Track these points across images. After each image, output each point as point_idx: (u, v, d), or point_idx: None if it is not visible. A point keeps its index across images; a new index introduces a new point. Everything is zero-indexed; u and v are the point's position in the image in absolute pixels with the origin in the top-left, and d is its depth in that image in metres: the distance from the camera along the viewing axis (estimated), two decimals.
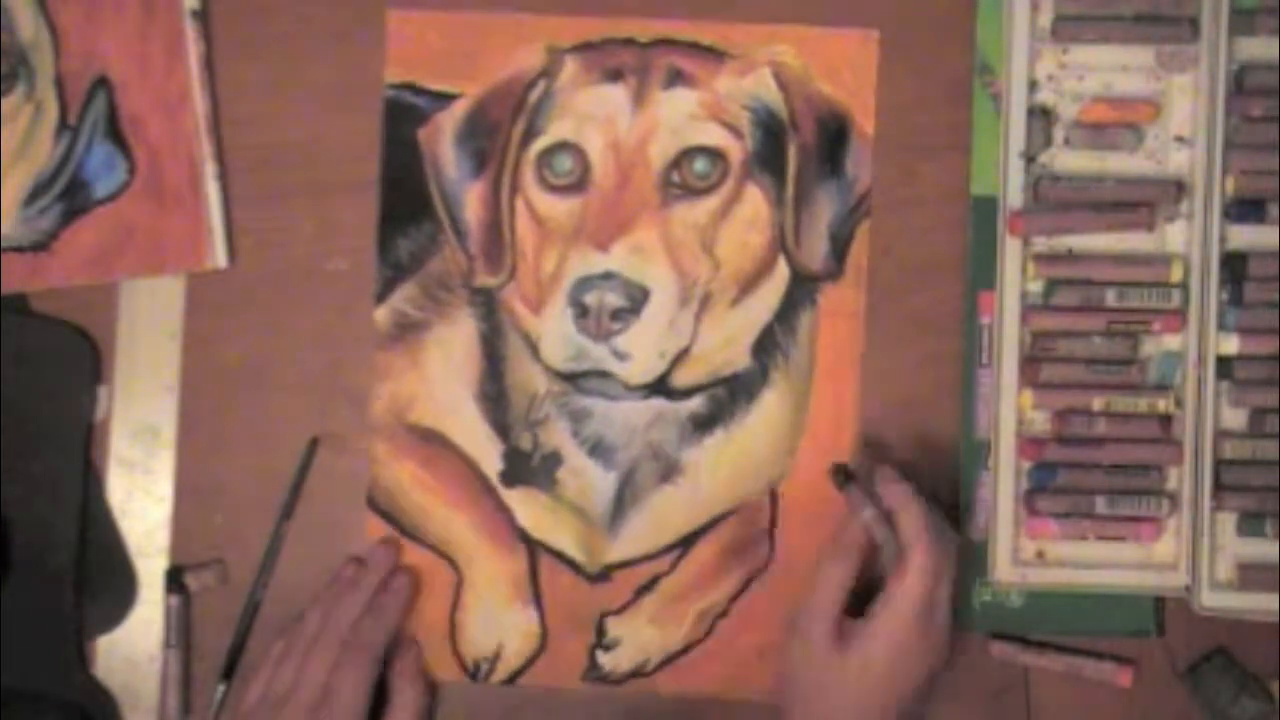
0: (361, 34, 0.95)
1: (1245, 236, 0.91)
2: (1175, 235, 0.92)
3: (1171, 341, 0.92)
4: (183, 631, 0.95)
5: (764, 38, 0.94)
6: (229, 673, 0.95)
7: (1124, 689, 0.94)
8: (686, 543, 0.95)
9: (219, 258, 0.95)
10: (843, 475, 0.90)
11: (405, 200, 0.95)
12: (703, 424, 0.95)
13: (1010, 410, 0.91)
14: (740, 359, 0.95)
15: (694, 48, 0.94)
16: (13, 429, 0.93)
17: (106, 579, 0.95)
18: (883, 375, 0.95)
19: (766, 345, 0.94)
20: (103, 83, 0.94)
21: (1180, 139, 0.91)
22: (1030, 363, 0.91)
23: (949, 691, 0.94)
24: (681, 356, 0.94)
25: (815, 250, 0.94)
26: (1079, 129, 0.92)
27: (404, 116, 0.95)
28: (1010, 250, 0.91)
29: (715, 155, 0.94)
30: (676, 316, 0.94)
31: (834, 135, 0.94)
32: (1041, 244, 0.92)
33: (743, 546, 0.95)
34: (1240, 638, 0.93)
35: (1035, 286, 0.92)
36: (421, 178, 0.95)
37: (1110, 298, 0.91)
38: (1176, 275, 0.91)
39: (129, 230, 0.94)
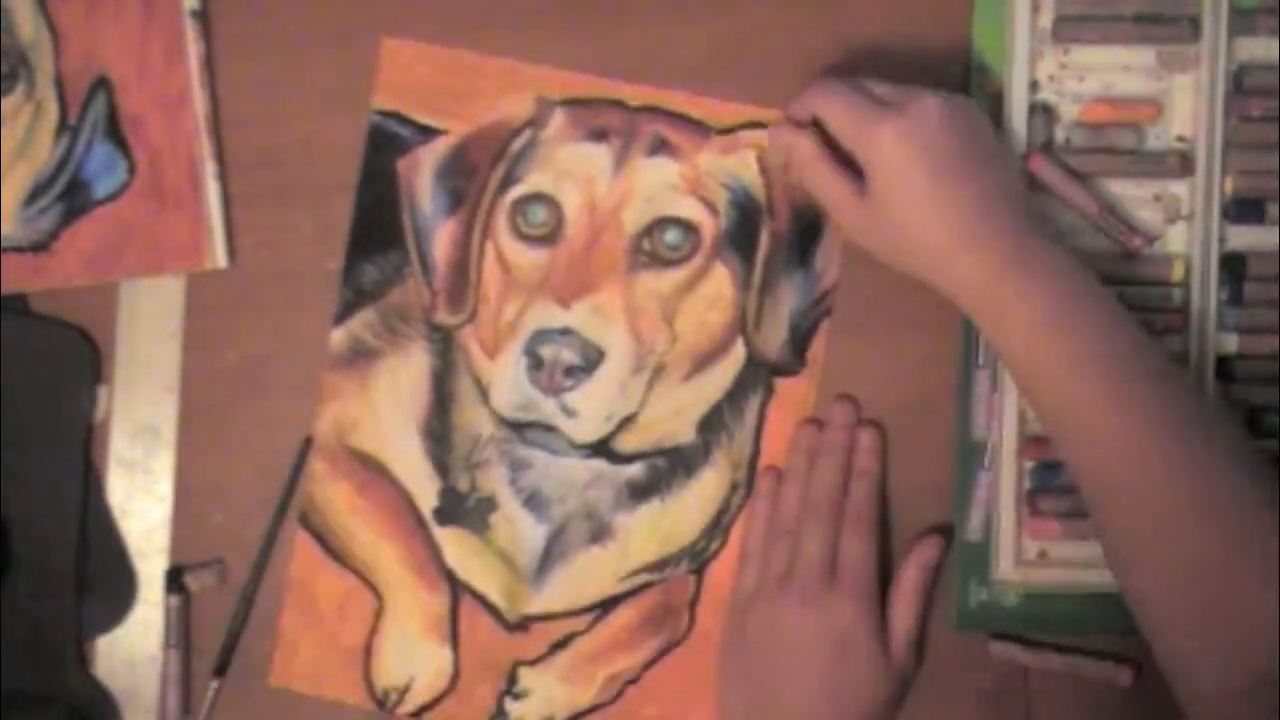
0: (362, 34, 0.95)
1: (1245, 236, 0.91)
2: (1175, 235, 0.92)
3: (1171, 341, 0.92)
4: (182, 631, 0.95)
5: (752, 118, 0.94)
6: (222, 669, 0.95)
7: (1124, 689, 0.94)
8: (606, 605, 0.95)
9: (219, 258, 0.95)
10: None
11: (376, 227, 0.95)
12: (639, 491, 0.95)
13: (1012, 410, 0.91)
14: (685, 433, 0.95)
15: (682, 119, 0.94)
16: (13, 429, 0.93)
17: (106, 579, 0.95)
18: (881, 375, 0.95)
19: (713, 423, 0.95)
20: (103, 83, 0.94)
21: (1181, 139, 0.92)
22: None
23: (949, 692, 0.94)
24: (628, 422, 0.94)
25: (774, 338, 0.94)
26: (1079, 129, 0.92)
27: (386, 144, 0.94)
28: None
29: (688, 229, 0.94)
30: (628, 382, 0.94)
31: (807, 227, 0.94)
32: None
33: (662, 617, 0.95)
34: None
35: None
36: (395, 208, 0.95)
37: None
38: (1176, 275, 0.91)
39: (129, 230, 0.94)
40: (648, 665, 0.95)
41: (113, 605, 0.95)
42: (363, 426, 0.95)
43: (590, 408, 0.94)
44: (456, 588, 0.95)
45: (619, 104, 0.94)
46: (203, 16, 0.94)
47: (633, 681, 0.95)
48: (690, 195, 0.94)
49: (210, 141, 0.94)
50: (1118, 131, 0.92)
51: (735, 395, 0.95)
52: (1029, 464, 0.92)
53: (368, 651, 0.95)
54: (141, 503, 0.95)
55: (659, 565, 0.95)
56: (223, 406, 0.96)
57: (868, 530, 0.91)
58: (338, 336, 0.95)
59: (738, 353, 0.94)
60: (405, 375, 0.95)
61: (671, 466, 0.95)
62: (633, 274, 0.94)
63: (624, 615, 0.95)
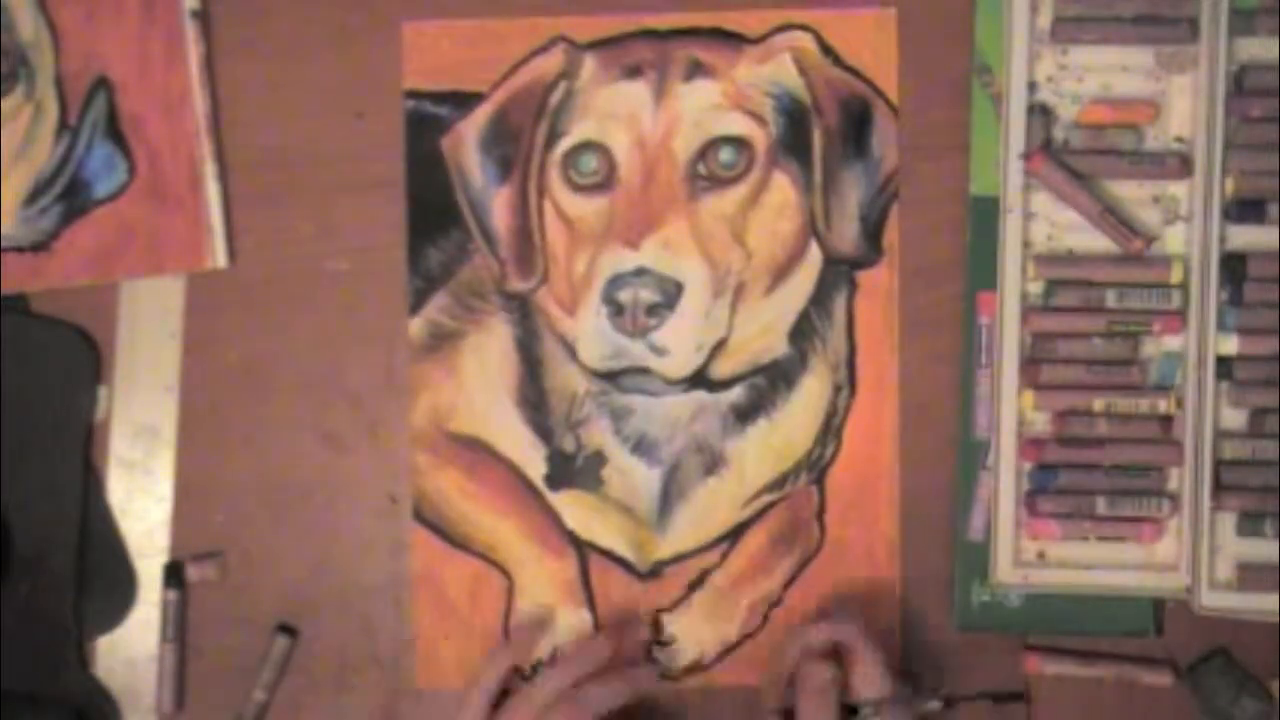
0: (362, 34, 0.95)
1: (1245, 237, 0.91)
2: (1175, 236, 0.92)
3: (1171, 342, 0.92)
4: (179, 626, 0.95)
5: (781, 21, 0.93)
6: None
7: (1124, 689, 0.94)
8: (734, 534, 0.95)
9: (219, 258, 0.95)
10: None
11: (432, 210, 0.95)
12: (745, 414, 0.95)
13: (1011, 411, 0.91)
14: (778, 346, 0.94)
15: (713, 36, 0.93)
16: (13, 429, 0.93)
17: (106, 579, 0.95)
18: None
19: (803, 331, 0.94)
20: (103, 83, 0.94)
21: (1180, 140, 0.92)
22: (1031, 364, 0.91)
23: (949, 692, 0.94)
24: (719, 348, 0.94)
25: (846, 233, 0.94)
26: (1079, 130, 0.92)
27: (425, 127, 0.94)
28: (1010, 250, 0.91)
29: (740, 144, 0.94)
30: (711, 308, 0.94)
31: (858, 117, 0.94)
32: (1042, 244, 0.92)
33: (792, 534, 0.95)
34: (1240, 638, 0.93)
35: (1035, 287, 0.92)
36: (447, 187, 0.95)
37: (1110, 299, 0.91)
38: (1176, 276, 0.91)
39: (129, 230, 0.94)
40: (787, 585, 0.95)
41: (113, 605, 0.95)
42: (458, 410, 0.95)
43: (679, 342, 0.94)
44: (582, 549, 0.95)
45: (647, 34, 0.94)
46: (203, 16, 0.94)
47: (776, 604, 0.95)
48: (736, 110, 0.94)
49: (210, 141, 0.94)
50: (1116, 132, 0.91)
51: (820, 298, 0.94)
52: (1028, 465, 0.92)
53: (506, 631, 0.95)
54: (141, 503, 0.96)
55: (778, 483, 0.95)
56: (223, 406, 0.96)
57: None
58: (415, 326, 0.95)
59: (813, 255, 0.94)
60: (490, 350, 0.95)
61: (771, 382, 0.95)
62: (694, 200, 0.94)
63: (754, 540, 0.95)
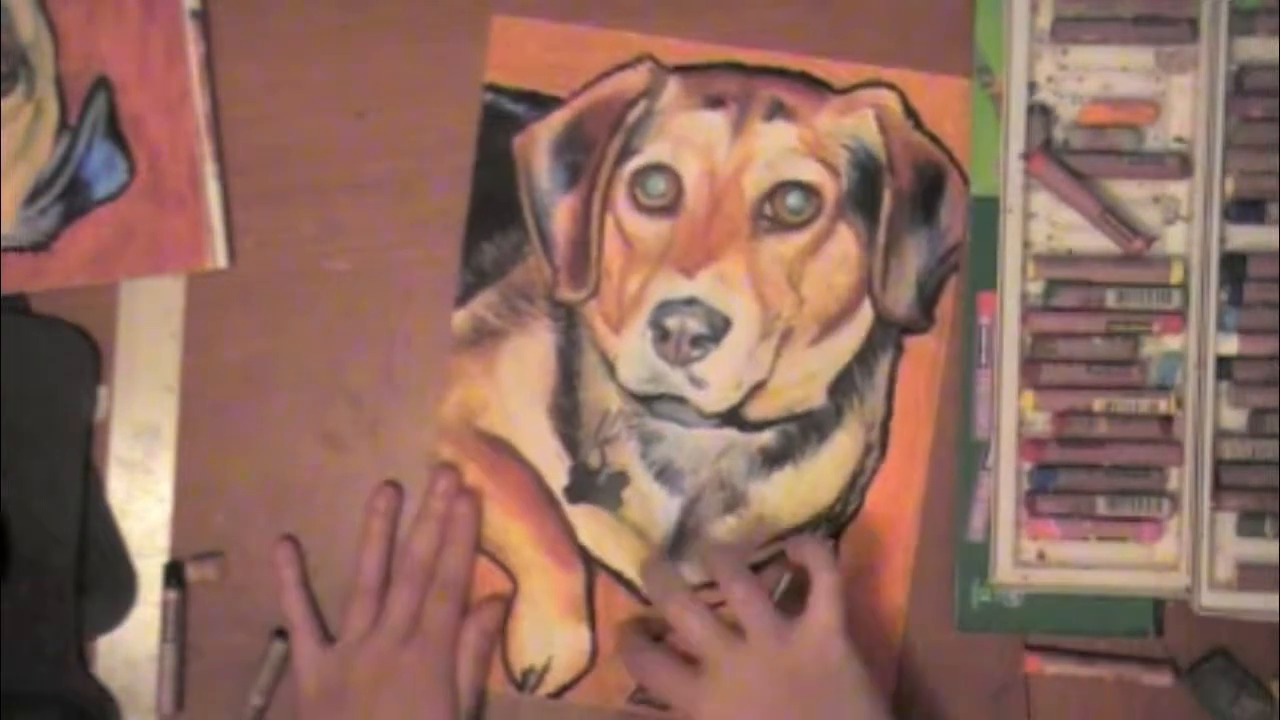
0: (361, 32, 0.95)
1: (1245, 237, 0.91)
2: (1175, 236, 0.92)
3: (1171, 342, 0.92)
4: (180, 626, 0.95)
5: (869, 77, 0.93)
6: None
7: (1124, 689, 0.94)
8: None
9: (219, 258, 0.95)
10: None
11: (494, 207, 0.94)
12: (773, 458, 0.94)
13: (1011, 411, 0.91)
14: (816, 397, 0.94)
15: (799, 80, 0.93)
16: (13, 429, 0.93)
17: (106, 579, 0.95)
18: None
19: (843, 386, 0.94)
20: (103, 83, 0.94)
21: (1180, 140, 0.92)
22: (1031, 364, 0.91)
23: (949, 692, 0.94)
24: (757, 389, 0.94)
25: (901, 297, 0.94)
26: (1079, 130, 0.92)
27: (501, 123, 0.94)
28: (1010, 250, 0.91)
29: (810, 191, 0.93)
30: (756, 349, 0.93)
31: (930, 184, 0.93)
32: (1042, 244, 0.92)
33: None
34: (1240, 638, 0.93)
35: (1035, 287, 0.92)
36: (513, 186, 0.94)
37: (1110, 299, 0.91)
38: (1176, 276, 0.91)
39: (129, 230, 0.94)
40: None
41: (113, 605, 0.95)
42: (490, 408, 0.95)
43: (719, 377, 0.94)
44: (591, 566, 0.95)
45: (734, 68, 0.93)
46: (203, 16, 0.94)
47: None
48: (810, 157, 0.93)
49: (210, 141, 0.94)
50: (1116, 132, 0.91)
51: (865, 356, 0.94)
52: (1028, 465, 0.92)
53: (504, 634, 0.95)
54: (141, 503, 0.96)
55: (795, 532, 0.95)
56: (223, 406, 0.96)
57: (454, 595, 0.92)
58: (460, 318, 0.95)
59: (865, 313, 0.94)
60: (530, 354, 0.95)
61: (803, 431, 0.94)
62: (756, 240, 0.93)
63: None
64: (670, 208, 0.94)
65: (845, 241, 0.93)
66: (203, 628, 0.96)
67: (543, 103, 0.94)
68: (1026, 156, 0.90)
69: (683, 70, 0.94)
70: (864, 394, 0.94)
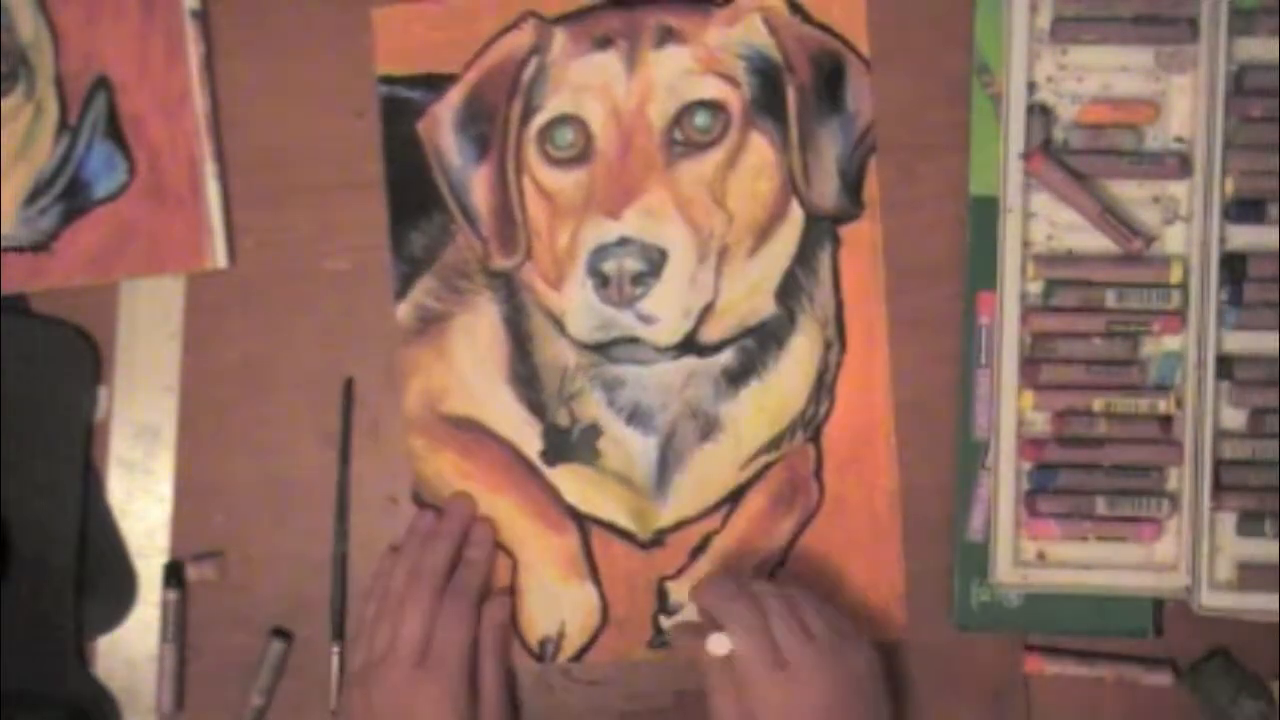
0: (361, 33, 0.95)
1: (1245, 236, 0.91)
2: (1174, 236, 0.92)
3: (1171, 342, 0.92)
4: (179, 626, 0.95)
5: None
6: (340, 632, 0.95)
7: (1124, 689, 0.94)
8: (734, 497, 0.95)
9: (219, 258, 0.95)
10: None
11: (413, 194, 0.95)
12: (736, 376, 0.95)
13: (1010, 411, 0.91)
14: (765, 306, 0.94)
15: (680, 2, 0.94)
16: (13, 429, 0.93)
17: (106, 579, 0.95)
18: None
19: (790, 289, 0.94)
20: (103, 83, 0.94)
21: (1180, 140, 0.92)
22: (1031, 364, 0.91)
23: (949, 691, 0.94)
24: (707, 312, 0.94)
25: (826, 189, 0.94)
26: (1078, 130, 0.92)
27: (401, 112, 0.95)
28: (1010, 250, 0.91)
29: (715, 108, 0.94)
30: (697, 273, 0.94)
31: (830, 73, 0.94)
32: (1041, 244, 0.92)
33: (791, 493, 0.95)
34: (1240, 638, 0.93)
35: (1035, 287, 0.92)
36: (426, 170, 0.95)
37: (1110, 298, 0.91)
38: (1176, 276, 0.91)
39: (129, 230, 0.94)
40: (790, 544, 0.95)
41: (113, 605, 0.95)
42: (451, 392, 0.95)
43: (666, 309, 0.94)
44: (583, 523, 0.95)
45: (615, 4, 0.94)
46: (203, 16, 0.94)
47: (780, 564, 0.95)
48: (708, 74, 0.94)
49: (210, 141, 0.94)
50: (1116, 132, 0.91)
51: (804, 256, 0.94)
52: (1027, 465, 0.92)
53: (513, 610, 0.95)
54: (141, 503, 0.96)
55: (774, 443, 0.95)
56: (223, 406, 0.96)
57: (465, 614, 0.92)
58: (403, 310, 0.95)
59: (795, 214, 0.94)
60: (479, 330, 0.95)
61: (761, 343, 0.95)
62: (672, 167, 0.94)
63: (754, 502, 0.95)
64: (583, 155, 0.94)
65: (760, 148, 0.94)
66: (203, 628, 0.96)
67: (438, 83, 0.94)
68: (1026, 156, 0.91)
69: (566, 19, 0.94)
70: (811, 292, 0.94)
